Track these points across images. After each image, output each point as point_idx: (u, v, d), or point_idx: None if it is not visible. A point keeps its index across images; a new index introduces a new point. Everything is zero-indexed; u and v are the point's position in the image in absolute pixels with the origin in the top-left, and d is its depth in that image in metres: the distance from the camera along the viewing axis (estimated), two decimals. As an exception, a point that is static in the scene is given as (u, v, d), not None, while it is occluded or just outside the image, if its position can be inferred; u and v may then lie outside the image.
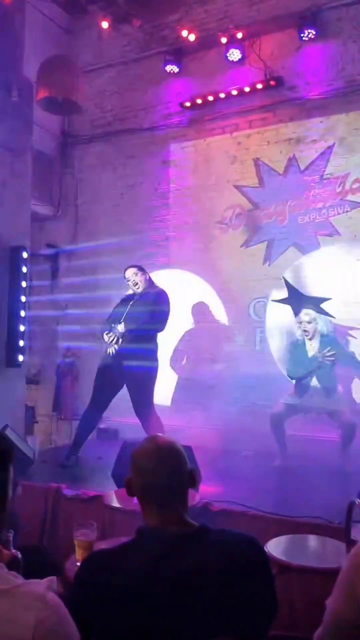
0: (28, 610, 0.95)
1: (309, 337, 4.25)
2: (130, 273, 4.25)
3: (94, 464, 4.23)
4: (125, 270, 4.28)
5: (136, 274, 4.22)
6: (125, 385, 4.18)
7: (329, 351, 4.11)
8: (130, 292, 4.30)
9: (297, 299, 4.44)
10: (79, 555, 1.95)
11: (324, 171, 5.11)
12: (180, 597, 1.17)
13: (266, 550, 2.13)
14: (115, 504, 2.93)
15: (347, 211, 5.00)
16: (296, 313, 4.40)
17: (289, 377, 4.38)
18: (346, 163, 5.02)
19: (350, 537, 2.22)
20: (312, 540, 2.46)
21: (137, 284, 4.20)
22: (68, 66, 4.71)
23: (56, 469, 4.11)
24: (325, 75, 5.10)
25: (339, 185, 5.04)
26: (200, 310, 5.61)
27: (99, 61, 6.08)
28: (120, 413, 5.03)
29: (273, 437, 4.27)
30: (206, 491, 3.15)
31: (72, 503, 3.33)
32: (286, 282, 4.64)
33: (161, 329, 4.13)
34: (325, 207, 5.10)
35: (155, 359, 4.17)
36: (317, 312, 4.27)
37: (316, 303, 4.33)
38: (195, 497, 2.88)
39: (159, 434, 1.49)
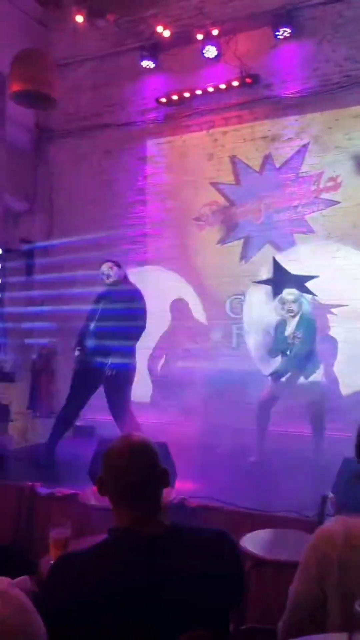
0: None
1: (293, 316, 4.24)
2: (105, 266, 4.23)
3: (69, 462, 4.20)
4: (102, 264, 4.26)
5: (110, 268, 4.20)
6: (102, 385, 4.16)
7: (299, 332, 4.15)
8: (104, 289, 4.27)
9: (282, 278, 4.44)
10: (53, 554, 1.93)
11: (299, 169, 5.15)
12: (150, 598, 1.17)
13: (241, 545, 2.17)
14: (91, 502, 2.92)
15: (321, 209, 5.06)
16: (276, 293, 4.41)
17: (269, 355, 4.40)
18: (321, 161, 5.08)
19: (324, 530, 2.26)
20: (287, 534, 2.49)
21: (109, 276, 4.18)
22: (42, 59, 4.65)
23: (31, 468, 4.07)
24: (300, 74, 5.14)
25: (314, 184, 5.09)
26: (177, 307, 5.61)
27: (74, 55, 6.01)
28: (96, 410, 5.01)
29: (255, 426, 4.30)
30: (183, 487, 3.16)
31: (47, 502, 3.31)
32: (274, 261, 4.65)
33: (143, 326, 4.12)
34: (301, 205, 5.15)
35: (132, 357, 4.15)
36: (301, 291, 4.29)
37: (302, 282, 4.34)
38: (172, 494, 2.89)
39: (133, 432, 1.49)
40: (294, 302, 4.21)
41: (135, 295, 4.15)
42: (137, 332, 4.11)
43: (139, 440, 1.38)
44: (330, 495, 2.25)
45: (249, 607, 2.30)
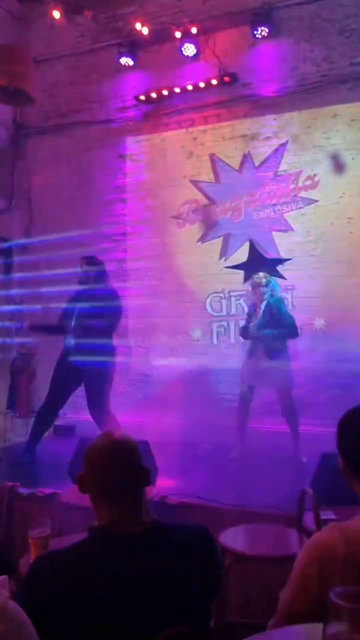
0: None
1: (263, 299, 4.26)
2: (83, 262, 4.20)
3: (50, 461, 4.18)
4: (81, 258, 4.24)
5: (88, 264, 4.17)
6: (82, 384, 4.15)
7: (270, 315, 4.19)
8: (80, 287, 4.24)
9: (255, 262, 4.46)
10: (33, 553, 1.92)
11: (278, 168, 5.20)
12: (130, 596, 1.18)
13: (221, 541, 2.18)
14: (72, 501, 2.91)
15: (300, 208, 5.11)
16: (247, 278, 4.44)
17: (241, 337, 4.42)
18: (299, 160, 5.13)
19: (302, 524, 2.29)
20: (267, 529, 2.52)
21: (86, 272, 4.16)
22: (19, 55, 4.59)
23: (11, 468, 4.04)
24: (278, 73, 5.18)
25: (292, 182, 5.14)
26: (157, 306, 5.61)
27: (52, 51, 5.96)
28: (77, 410, 4.99)
29: (235, 421, 4.32)
30: (163, 485, 3.17)
31: (28, 502, 3.28)
32: (251, 245, 4.68)
33: (115, 325, 4.12)
34: (280, 204, 5.19)
35: (113, 355, 4.15)
36: (271, 274, 4.33)
37: (275, 265, 4.38)
38: (152, 491, 2.89)
39: (114, 430, 1.49)
40: (265, 285, 4.26)
41: (112, 294, 4.15)
42: (110, 328, 4.11)
43: (120, 437, 1.39)
44: (309, 490, 2.28)
45: (229, 601, 2.32)
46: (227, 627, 1.44)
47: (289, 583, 1.28)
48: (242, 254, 5.25)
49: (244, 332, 4.31)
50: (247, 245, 5.21)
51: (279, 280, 4.39)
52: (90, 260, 4.23)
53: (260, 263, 4.42)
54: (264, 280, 4.26)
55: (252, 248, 4.61)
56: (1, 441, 5.55)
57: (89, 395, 4.10)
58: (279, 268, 4.40)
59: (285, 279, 4.50)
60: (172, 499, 3.06)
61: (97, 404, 4.08)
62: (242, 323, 4.55)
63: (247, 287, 4.45)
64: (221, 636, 1.25)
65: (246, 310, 4.49)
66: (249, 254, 4.60)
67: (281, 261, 4.49)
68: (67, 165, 5.99)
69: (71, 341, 4.05)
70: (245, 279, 4.46)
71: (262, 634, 1.14)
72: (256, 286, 4.29)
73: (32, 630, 0.98)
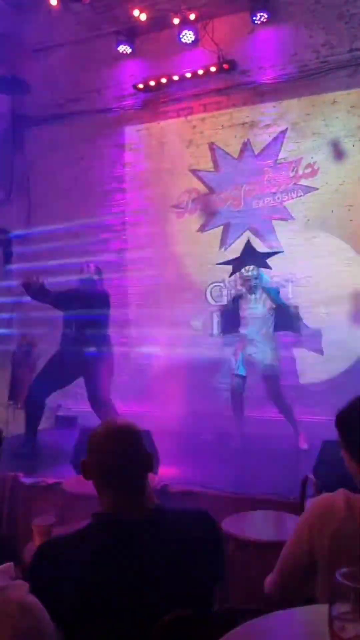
0: (6, 618, 0.90)
1: (251, 291, 4.33)
2: (94, 269, 4.36)
3: (52, 451, 4.20)
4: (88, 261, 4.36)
5: (98, 273, 4.34)
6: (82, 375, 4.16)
7: (274, 306, 4.28)
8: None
9: (248, 258, 4.51)
10: (37, 541, 1.94)
11: (278, 156, 5.16)
12: (133, 581, 1.19)
13: (224, 527, 2.20)
14: (74, 490, 2.92)
15: (300, 196, 5.08)
16: (235, 271, 4.50)
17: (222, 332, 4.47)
18: (298, 148, 5.10)
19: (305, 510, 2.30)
20: (269, 516, 2.53)
21: (92, 279, 4.28)
22: (16, 44, 4.54)
23: (13, 459, 4.05)
24: (277, 60, 5.13)
25: (292, 170, 5.11)
26: (158, 296, 5.60)
27: (49, 40, 5.88)
28: (79, 401, 5.00)
29: (232, 412, 4.35)
30: (165, 474, 3.19)
31: (31, 491, 3.30)
32: (248, 242, 4.69)
33: (108, 312, 4.25)
34: (279, 192, 5.16)
35: (111, 346, 4.18)
36: (259, 266, 4.36)
37: (265, 258, 4.43)
38: (154, 480, 2.91)
39: (117, 418, 1.50)
40: (255, 278, 4.29)
41: (105, 296, 4.31)
42: (107, 319, 4.23)
43: (123, 424, 1.39)
44: (311, 477, 2.30)
45: (232, 587, 2.34)
46: (229, 612, 1.45)
47: (289, 539, 1.34)
48: (242, 243, 5.24)
49: (226, 329, 4.37)
50: (247, 235, 5.22)
51: (266, 270, 4.45)
52: (99, 270, 4.37)
53: (251, 258, 4.47)
54: (251, 273, 4.31)
55: (248, 245, 4.64)
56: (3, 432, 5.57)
57: (88, 387, 4.12)
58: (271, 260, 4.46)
59: (270, 268, 4.55)
60: (174, 487, 3.08)
61: (98, 395, 4.09)
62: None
63: (236, 278, 4.49)
64: (223, 621, 1.26)
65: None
66: (243, 250, 4.63)
67: (272, 254, 4.54)
68: (65, 155, 5.95)
69: (69, 332, 4.07)
70: (233, 272, 4.51)
71: (263, 617, 1.15)
72: (244, 279, 4.34)
73: (50, 624, 0.98)
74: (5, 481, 3.40)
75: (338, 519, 1.26)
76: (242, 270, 4.37)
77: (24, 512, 3.22)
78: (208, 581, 1.31)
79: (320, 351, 4.71)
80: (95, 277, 4.31)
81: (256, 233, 5.21)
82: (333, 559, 1.24)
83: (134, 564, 1.21)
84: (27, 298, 5.84)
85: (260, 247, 4.95)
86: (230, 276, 4.56)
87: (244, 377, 4.32)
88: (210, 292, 5.41)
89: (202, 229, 5.47)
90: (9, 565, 1.04)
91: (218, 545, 1.35)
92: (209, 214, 5.44)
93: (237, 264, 4.51)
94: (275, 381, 4.26)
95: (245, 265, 4.37)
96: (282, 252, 4.62)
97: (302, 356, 4.90)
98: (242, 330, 4.37)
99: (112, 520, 1.29)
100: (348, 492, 1.32)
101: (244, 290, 4.38)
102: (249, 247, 4.59)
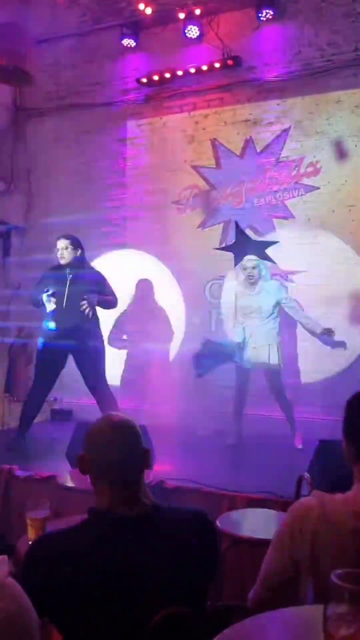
0: None
1: (252, 283, 4.33)
2: (60, 243, 4.13)
3: (47, 444, 4.20)
4: (58, 238, 4.16)
5: (66, 248, 4.12)
6: (75, 364, 4.15)
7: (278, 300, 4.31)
8: (58, 268, 4.19)
9: (243, 245, 4.51)
10: (31, 534, 1.93)
11: (280, 154, 5.15)
12: (128, 577, 1.19)
13: (218, 525, 2.20)
14: (70, 483, 2.93)
15: (301, 195, 5.07)
16: (237, 262, 4.50)
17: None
18: (301, 147, 5.08)
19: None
20: (263, 514, 2.54)
21: (62, 257, 4.13)
22: (20, 34, 4.51)
23: (9, 451, 4.05)
24: (282, 57, 5.11)
25: (294, 169, 5.10)
26: (155, 291, 5.59)
27: (53, 31, 5.85)
28: (74, 393, 5.00)
29: (232, 407, 4.36)
30: (161, 469, 3.18)
31: (25, 484, 3.31)
32: (236, 226, 4.69)
33: (116, 305, 4.23)
34: (281, 190, 5.15)
35: (100, 336, 4.18)
36: (260, 257, 4.36)
37: (262, 247, 4.43)
38: (150, 476, 2.90)
39: (115, 412, 1.49)
40: (253, 268, 4.29)
41: (101, 277, 4.18)
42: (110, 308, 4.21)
43: (120, 419, 1.39)
44: (306, 475, 2.30)
45: (225, 584, 2.35)
46: (223, 609, 1.45)
47: (269, 549, 1.34)
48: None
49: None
50: (248, 233, 5.21)
51: (268, 263, 4.43)
52: (77, 243, 4.17)
53: (247, 245, 4.46)
54: (252, 263, 4.32)
55: (238, 229, 4.63)
56: (-1, 424, 5.56)
57: (87, 379, 4.11)
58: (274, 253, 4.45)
59: (274, 262, 4.54)
60: (170, 483, 3.08)
61: (97, 384, 4.08)
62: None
63: (237, 270, 4.46)
64: (217, 618, 1.27)
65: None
66: (235, 235, 4.62)
67: (268, 244, 4.54)
68: (67, 148, 5.93)
69: (58, 324, 4.03)
70: (236, 262, 4.50)
71: (254, 617, 1.16)
72: (245, 268, 4.33)
73: (30, 607, 0.98)
74: (0, 474, 3.39)
75: (314, 520, 1.27)
76: (244, 260, 4.36)
77: (18, 505, 3.21)
78: (202, 579, 1.31)
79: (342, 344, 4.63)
80: (66, 258, 4.11)
81: (256, 231, 5.20)
82: (314, 561, 1.24)
83: (129, 560, 1.21)
84: (25, 290, 5.84)
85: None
86: (235, 265, 4.54)
87: (249, 371, 4.33)
88: (210, 288, 5.40)
89: (203, 225, 5.45)
90: (2, 558, 1.04)
91: (213, 544, 1.35)
92: (210, 211, 5.43)
93: (237, 252, 4.51)
94: (277, 377, 4.25)
95: (246, 254, 4.36)
96: (278, 242, 4.62)
97: (302, 353, 4.90)
98: (244, 324, 4.35)
99: (108, 516, 1.28)
100: (322, 493, 1.33)
101: (244, 280, 4.35)
102: (241, 233, 4.59)
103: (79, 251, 4.16)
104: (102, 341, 4.22)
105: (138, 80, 5.56)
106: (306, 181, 5.05)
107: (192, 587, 1.28)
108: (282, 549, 1.31)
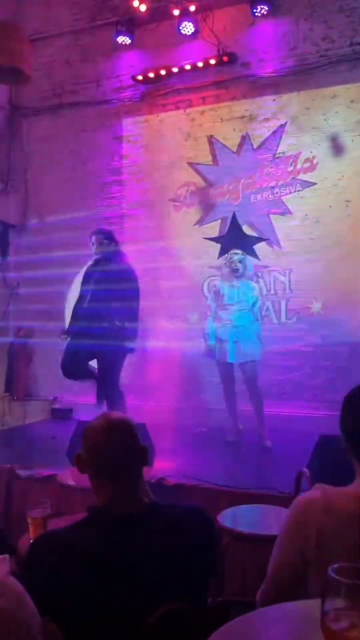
0: None
1: (236, 276, 4.32)
2: (92, 239, 4.06)
3: (48, 444, 4.21)
4: (92, 233, 4.10)
5: (98, 243, 4.06)
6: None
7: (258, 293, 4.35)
8: (90, 267, 4.17)
9: (233, 237, 4.51)
10: (32, 533, 1.94)
11: (277, 150, 5.14)
12: (129, 574, 1.20)
13: (219, 521, 2.21)
14: (71, 482, 2.94)
15: (298, 190, 5.07)
16: (222, 253, 4.54)
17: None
18: (298, 142, 5.08)
19: (299, 505, 2.31)
20: (263, 510, 2.54)
21: (95, 252, 4.07)
22: (15, 32, 4.49)
23: (9, 450, 4.06)
24: (277, 53, 5.10)
25: (291, 164, 5.09)
26: (153, 289, 5.59)
27: (48, 29, 5.84)
28: (74, 393, 5.00)
29: (225, 405, 4.36)
30: (161, 467, 3.20)
31: (27, 483, 3.31)
32: (233, 217, 4.68)
33: (137, 307, 4.04)
34: (278, 186, 5.15)
35: (131, 339, 4.06)
36: (247, 252, 4.38)
37: (251, 243, 4.45)
38: (150, 473, 2.92)
39: (112, 411, 1.50)
40: (239, 262, 4.30)
41: (128, 276, 4.02)
42: (131, 313, 3.99)
43: (117, 417, 1.40)
44: (306, 471, 2.30)
45: (226, 580, 2.36)
46: (224, 604, 1.46)
47: (277, 546, 1.33)
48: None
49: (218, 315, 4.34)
50: (245, 229, 5.20)
51: (253, 260, 4.52)
52: (110, 237, 4.08)
53: (238, 239, 4.47)
54: (237, 256, 4.32)
55: (234, 222, 4.64)
56: (-1, 424, 5.58)
57: (101, 376, 4.08)
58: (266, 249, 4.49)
59: (259, 259, 4.59)
60: (170, 480, 3.09)
61: (110, 383, 4.05)
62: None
63: (223, 262, 4.47)
64: (218, 613, 1.27)
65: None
66: (229, 227, 4.62)
67: (258, 240, 4.60)
68: (63, 146, 5.92)
69: (83, 324, 3.98)
70: (220, 254, 4.51)
71: (257, 611, 1.16)
72: (231, 261, 4.33)
73: (31, 606, 0.98)
74: (1, 473, 3.40)
75: (318, 513, 1.26)
76: (229, 253, 4.36)
77: (19, 504, 3.22)
78: (202, 576, 1.31)
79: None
80: (97, 252, 4.03)
81: (254, 227, 5.20)
82: (321, 555, 1.24)
83: (129, 558, 1.22)
84: (24, 289, 5.84)
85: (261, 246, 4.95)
86: (218, 258, 4.55)
87: (232, 365, 4.31)
88: (207, 285, 5.40)
89: (200, 222, 5.45)
90: (4, 557, 1.04)
91: (213, 541, 1.36)
92: (207, 208, 5.43)
93: (225, 244, 4.53)
94: (252, 371, 4.23)
95: (234, 248, 4.37)
96: (268, 239, 4.72)
97: (302, 351, 4.91)
98: (227, 317, 4.35)
99: (107, 514, 1.29)
100: (324, 485, 1.32)
101: (229, 272, 4.34)
102: (236, 227, 4.60)
103: (112, 245, 4.08)
104: (123, 340, 4.15)
105: (133, 78, 5.55)
106: (303, 177, 5.05)
107: (193, 583, 1.28)
108: (288, 544, 1.30)
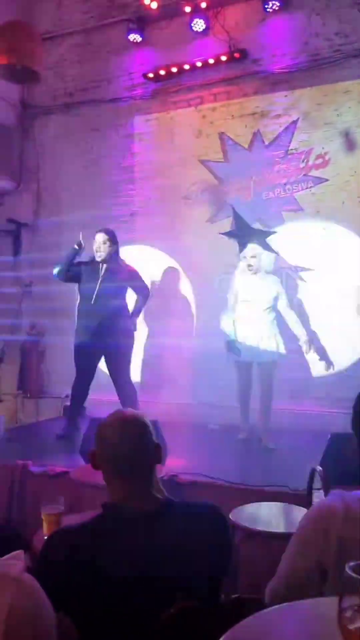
0: (2, 593, 0.92)
1: (252, 272, 4.31)
2: (100, 238, 4.16)
3: (61, 440, 4.23)
4: (97, 232, 4.20)
5: (105, 243, 4.15)
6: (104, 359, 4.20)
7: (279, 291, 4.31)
8: (92, 263, 4.23)
9: (243, 232, 4.51)
10: (46, 529, 1.96)
11: (288, 146, 5.11)
12: (142, 571, 1.20)
13: (231, 518, 2.21)
14: (83, 479, 2.95)
15: (310, 187, 5.04)
16: (241, 249, 4.52)
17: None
18: (310, 138, 5.04)
19: (312, 502, 2.31)
20: (276, 507, 2.54)
21: (100, 252, 4.16)
22: (27, 32, 4.51)
23: (23, 447, 4.10)
24: (289, 49, 5.06)
25: (303, 161, 5.06)
26: (166, 287, 5.60)
27: (59, 28, 5.87)
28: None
29: (238, 401, 4.36)
30: (173, 464, 3.20)
31: (40, 479, 3.33)
32: (234, 211, 4.68)
33: (148, 295, 4.35)
34: (290, 183, 5.12)
35: (130, 333, 4.21)
36: (263, 247, 4.37)
37: (262, 237, 4.44)
38: (163, 470, 2.92)
39: (126, 408, 1.50)
40: (253, 257, 4.29)
41: (135, 275, 4.22)
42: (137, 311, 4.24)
43: (131, 414, 1.40)
44: (319, 469, 2.29)
45: (239, 577, 2.36)
46: (237, 602, 1.46)
47: (292, 545, 1.32)
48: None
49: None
50: (257, 226, 5.19)
51: (272, 256, 4.50)
52: (115, 237, 4.20)
53: (248, 230, 4.47)
54: (252, 252, 4.33)
55: (235, 214, 4.63)
56: (12, 421, 5.63)
57: (112, 374, 4.16)
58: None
59: (277, 253, 4.55)
60: (182, 477, 3.09)
61: (122, 380, 4.12)
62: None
63: (241, 258, 4.47)
64: (231, 611, 1.27)
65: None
66: (233, 220, 4.62)
67: (268, 233, 4.63)
68: (75, 145, 5.94)
69: (91, 322, 4.06)
70: (240, 249, 4.51)
71: (271, 609, 1.15)
72: (245, 256, 4.35)
73: (46, 603, 0.99)
74: (14, 470, 3.43)
75: (339, 525, 1.24)
76: (247, 248, 4.36)
77: (32, 500, 3.25)
78: (215, 572, 1.32)
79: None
80: (103, 255, 4.18)
81: (266, 224, 5.18)
82: (342, 562, 1.22)
83: (143, 555, 1.22)
84: (36, 288, 5.88)
85: (271, 238, 4.93)
86: (240, 252, 4.54)
87: (251, 364, 4.31)
88: (219, 283, 5.39)
89: (212, 220, 5.44)
90: (19, 552, 1.05)
91: (226, 539, 1.36)
92: (219, 205, 5.41)
93: (240, 238, 4.53)
94: (270, 371, 4.21)
95: (248, 242, 4.37)
96: (277, 232, 4.74)
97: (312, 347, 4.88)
98: (244, 314, 4.33)
99: (121, 511, 1.29)
100: (343, 492, 1.31)
101: (245, 267, 4.34)
102: (239, 218, 4.59)
103: (116, 247, 4.19)
104: (132, 337, 4.25)
105: (145, 75, 5.54)
106: (315, 173, 5.01)
107: (206, 581, 1.29)
108: (305, 550, 1.29)
